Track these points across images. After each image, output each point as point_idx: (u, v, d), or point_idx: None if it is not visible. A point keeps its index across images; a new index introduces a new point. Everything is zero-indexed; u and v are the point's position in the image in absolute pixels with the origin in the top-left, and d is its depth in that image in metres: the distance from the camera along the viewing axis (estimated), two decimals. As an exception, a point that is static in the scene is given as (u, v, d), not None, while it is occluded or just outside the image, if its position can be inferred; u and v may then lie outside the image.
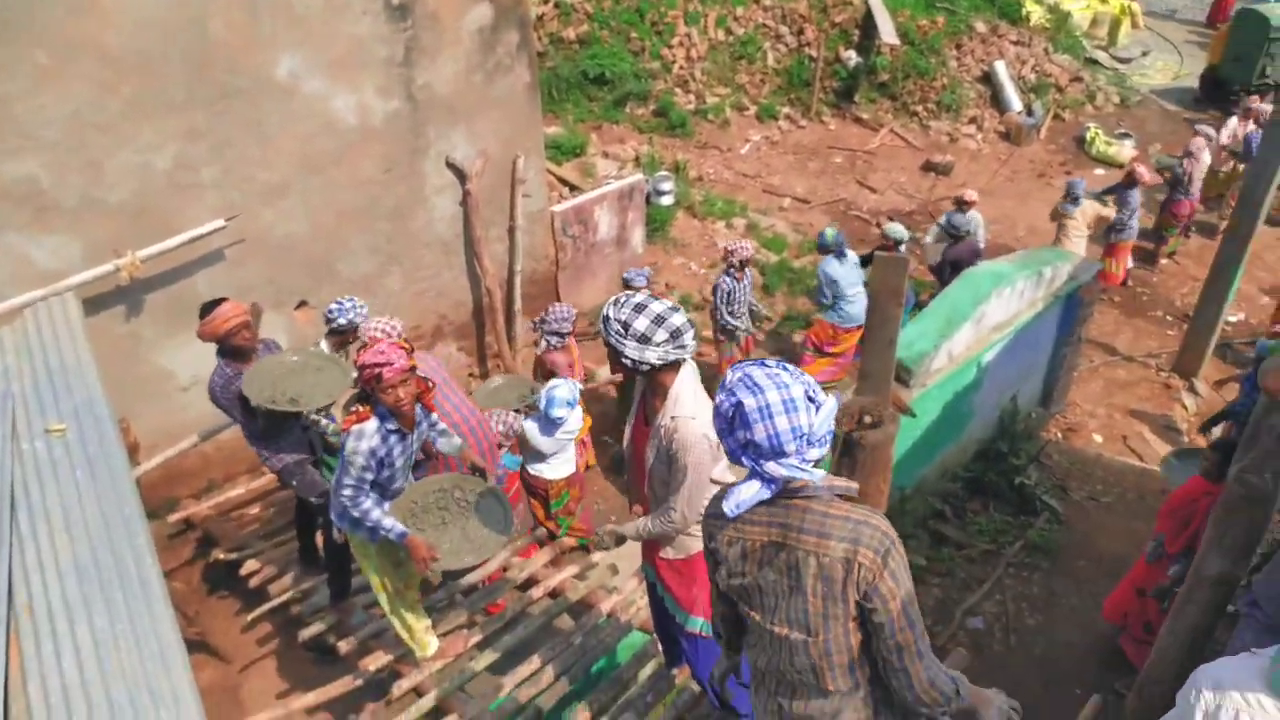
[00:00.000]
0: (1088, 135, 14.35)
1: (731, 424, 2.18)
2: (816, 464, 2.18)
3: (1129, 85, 15.90)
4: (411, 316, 8.00)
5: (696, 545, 3.33)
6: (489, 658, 4.70)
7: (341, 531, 4.63)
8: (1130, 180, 10.40)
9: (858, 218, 12.70)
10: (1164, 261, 11.67)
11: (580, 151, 11.93)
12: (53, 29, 5.49)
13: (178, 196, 6.28)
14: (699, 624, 3.54)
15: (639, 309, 2.98)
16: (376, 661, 4.71)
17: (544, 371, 6.67)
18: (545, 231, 9.11)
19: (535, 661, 4.63)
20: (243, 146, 6.49)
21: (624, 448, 3.53)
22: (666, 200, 11.54)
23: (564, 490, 5.81)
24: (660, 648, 4.29)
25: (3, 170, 5.58)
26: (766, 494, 2.20)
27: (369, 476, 3.93)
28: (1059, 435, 9.00)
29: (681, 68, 14.37)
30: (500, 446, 5.56)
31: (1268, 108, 9.92)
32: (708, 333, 9.50)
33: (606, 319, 3.02)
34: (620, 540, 3.47)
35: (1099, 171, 13.84)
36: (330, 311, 5.26)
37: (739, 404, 2.16)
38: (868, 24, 14.79)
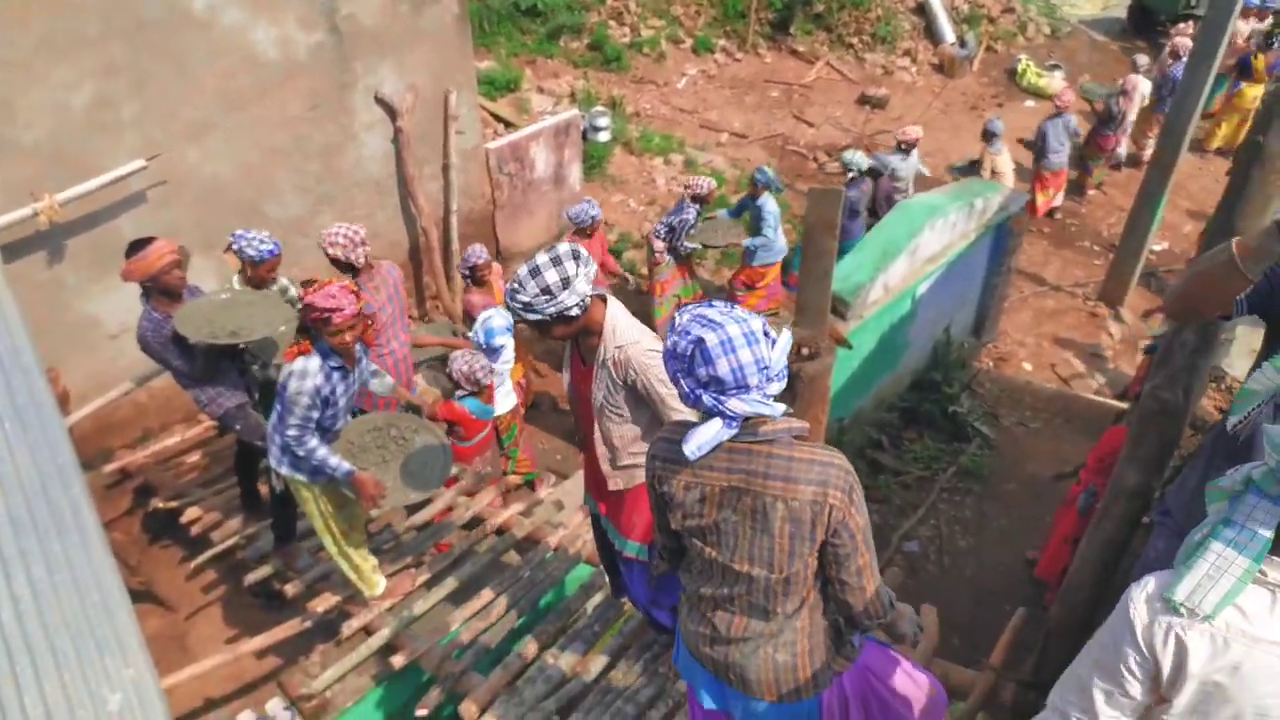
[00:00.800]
0: (1019, 67, 14.51)
1: (691, 362, 2.18)
2: (778, 399, 2.20)
3: (1059, 16, 16.05)
4: (346, 258, 7.87)
5: (640, 476, 3.40)
6: (437, 595, 4.76)
7: (280, 477, 4.62)
8: (1057, 109, 10.61)
9: (795, 152, 12.72)
10: (1091, 192, 11.95)
11: (514, 87, 11.72)
12: (-51, -42, 5.20)
13: (96, 136, 6.05)
14: (635, 548, 3.63)
15: (535, 271, 2.90)
16: (325, 603, 4.73)
17: (465, 311, 6.69)
18: (480, 169, 8.98)
19: (484, 597, 4.70)
20: (162, 82, 6.26)
21: (566, 392, 3.55)
22: (603, 137, 11.43)
23: (512, 424, 5.90)
24: (607, 579, 4.39)
25: (-96, 110, 5.32)
26: (727, 434, 2.20)
27: (314, 415, 3.93)
28: (990, 364, 9.26)
29: (616, -1, 14.14)
30: (476, 393, 5.58)
31: (1189, 43, 10.12)
32: (643, 266, 9.53)
33: (526, 306, 2.90)
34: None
35: (1029, 104, 14.03)
36: (233, 238, 5.11)
37: (699, 340, 2.16)
38: (803, -46, 14.65)
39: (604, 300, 3.17)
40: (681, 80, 13.89)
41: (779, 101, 13.90)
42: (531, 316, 2.93)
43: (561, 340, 3.14)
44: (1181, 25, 13.43)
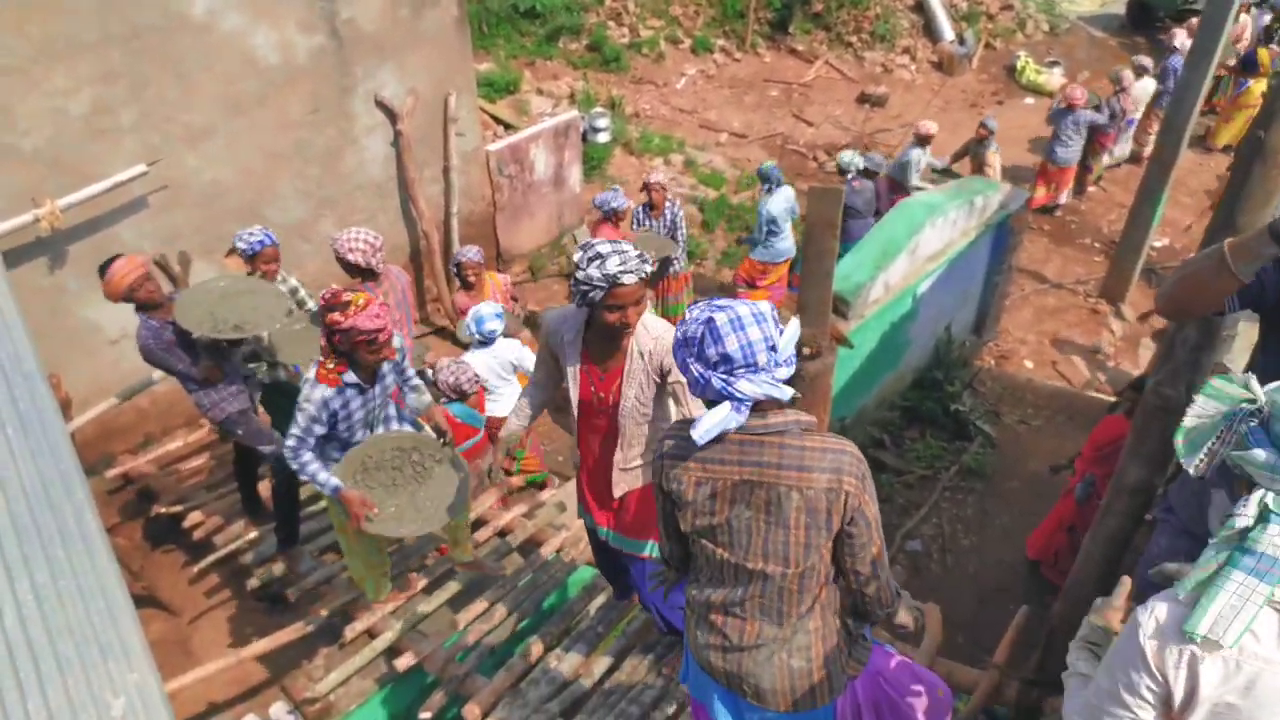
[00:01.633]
0: (1018, 64, 14.50)
1: (700, 344, 2.20)
2: (787, 384, 2.21)
3: (1058, 13, 16.05)
4: (347, 261, 7.88)
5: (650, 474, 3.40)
6: (440, 598, 4.76)
7: (294, 480, 4.65)
8: (1067, 106, 10.62)
9: (795, 151, 12.72)
10: (1092, 189, 11.94)
11: (513, 89, 11.73)
12: (-52, -34, 5.21)
13: (96, 142, 6.05)
14: (652, 547, 3.62)
15: (621, 243, 3.03)
16: (328, 606, 4.74)
17: (457, 311, 6.72)
18: (480, 171, 8.98)
19: (487, 599, 4.70)
20: (161, 87, 6.26)
21: (569, 399, 3.48)
22: (603, 137, 11.44)
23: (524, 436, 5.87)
24: (610, 584, 4.39)
25: (-96, 118, 5.33)
26: (736, 419, 2.20)
27: (317, 430, 3.84)
28: (992, 362, 9.25)
29: (614, 0, 14.14)
30: (464, 397, 5.58)
31: (1187, 42, 10.12)
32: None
33: (624, 265, 2.98)
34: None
35: (1029, 100, 14.03)
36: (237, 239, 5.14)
37: (709, 320, 2.20)
38: (801, -47, 14.65)
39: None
40: (681, 80, 13.89)
41: (778, 101, 13.90)
42: (626, 278, 3.00)
43: (612, 325, 3.12)
44: (1184, 20, 13.42)
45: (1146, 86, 11.50)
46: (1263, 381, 1.86)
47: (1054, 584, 6.01)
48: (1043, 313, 10.02)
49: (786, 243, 8.66)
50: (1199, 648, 1.80)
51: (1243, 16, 12.62)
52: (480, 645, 4.48)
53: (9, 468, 3.60)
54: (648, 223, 8.04)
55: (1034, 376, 9.00)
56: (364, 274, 5.16)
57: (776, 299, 9.22)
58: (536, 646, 4.37)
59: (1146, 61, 11.68)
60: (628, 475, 3.46)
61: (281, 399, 5.45)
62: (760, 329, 2.18)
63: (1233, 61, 12.05)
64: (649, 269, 3.07)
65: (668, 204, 7.90)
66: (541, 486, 6.46)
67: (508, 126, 10.50)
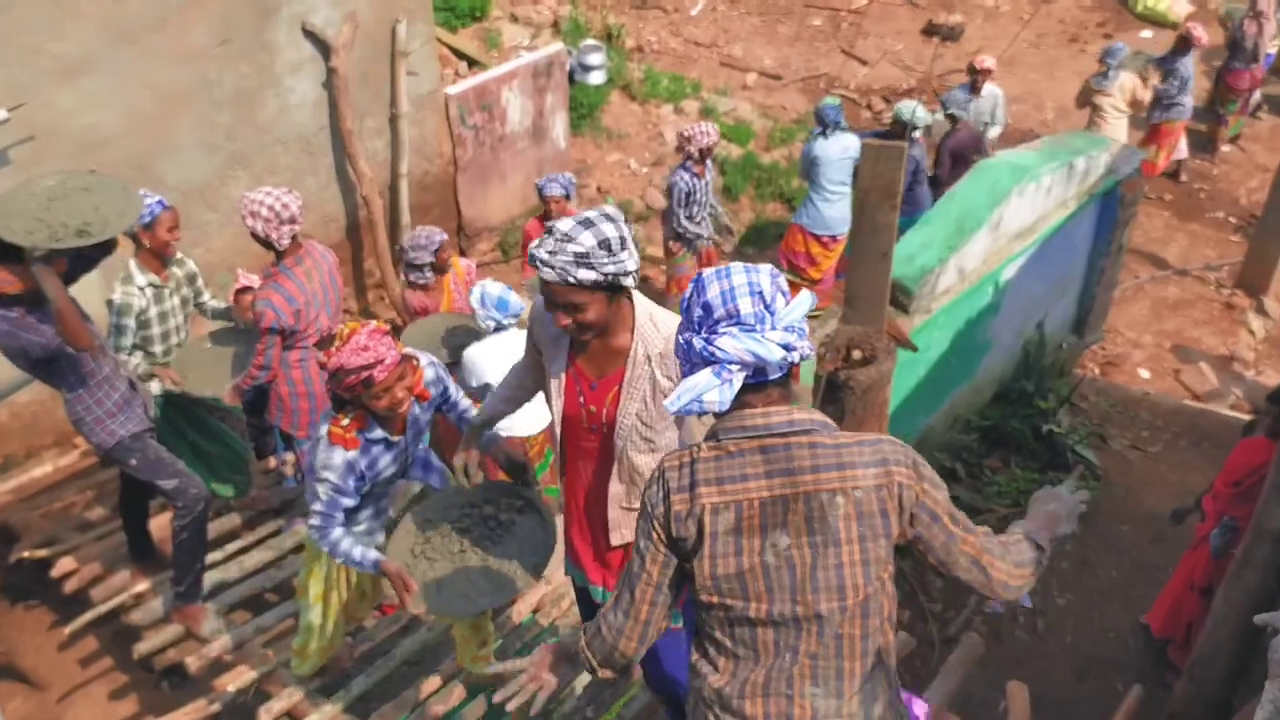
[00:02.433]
0: (1133, -13, 14.53)
1: (689, 303, 2.34)
2: (787, 353, 2.27)
3: (1184, -78, 16.08)
4: (265, 235, 7.91)
5: None
6: (382, 670, 4.76)
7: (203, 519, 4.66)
8: (1182, 45, 10.58)
9: (844, 96, 12.73)
10: (1225, 148, 11.95)
11: (480, 15, 11.76)
12: None
13: (-59, 80, 6.08)
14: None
15: (586, 222, 2.92)
16: (237, 679, 4.74)
17: (408, 313, 6.62)
18: (438, 121, 9.00)
19: (442, 672, 4.70)
20: (26, 8, 6.28)
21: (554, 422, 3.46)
22: (596, 78, 11.47)
23: (546, 448, 5.80)
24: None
25: None
26: (717, 390, 2.27)
27: (345, 502, 3.79)
28: (1096, 371, 9.24)
29: (611, -99, 14.18)
30: None
31: None
32: (654, 249, 9.54)
33: (580, 258, 2.89)
34: None
35: (1145, 34, 14.04)
36: None
37: (699, 279, 2.35)
38: None
39: (628, 296, 3.18)
40: (697, 5, 13.92)
41: (822, 32, 13.92)
42: (583, 275, 2.91)
43: (581, 335, 3.10)
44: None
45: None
46: None
47: (1180, 666, 5.98)
48: (1162, 307, 10.01)
49: (840, 209, 8.63)
50: None
51: None
52: (434, 732, 4.49)
53: None
54: (695, 184, 8.16)
55: (1151, 390, 8.99)
56: (265, 248, 5.17)
57: (824, 294, 9.23)
58: (508, 736, 4.36)
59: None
60: (630, 516, 3.43)
61: (176, 415, 5.46)
62: (746, 276, 2.29)
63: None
64: (594, 277, 2.94)
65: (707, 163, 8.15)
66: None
67: (473, 63, 10.52)
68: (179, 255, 5.52)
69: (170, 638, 5.09)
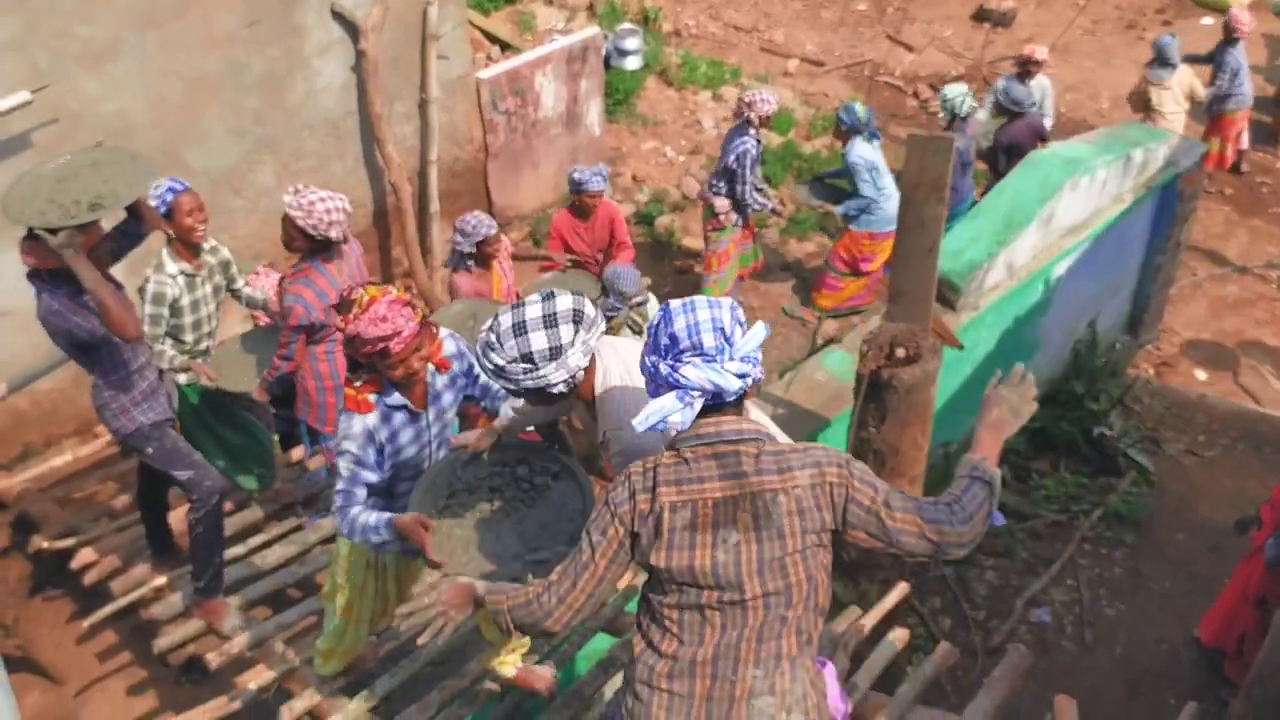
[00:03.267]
0: (1194, -29, 14.37)
1: (657, 330, 2.68)
2: (742, 381, 2.64)
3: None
4: (291, 223, 7.96)
5: None
6: (408, 670, 4.77)
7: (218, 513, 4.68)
8: (1229, 34, 10.46)
9: (889, 84, 12.67)
10: (1291, 140, 11.80)
11: (515, -3, 11.78)
12: None
13: (-35, 61, 6.16)
14: None
15: (519, 328, 3.04)
16: (258, 677, 4.76)
17: (451, 297, 6.68)
18: (469, 106, 9.02)
19: (468, 674, 4.71)
20: (53, -9, 6.36)
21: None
22: (632, 63, 11.45)
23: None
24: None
25: None
26: (679, 413, 2.61)
27: (366, 476, 3.74)
28: (1150, 372, 9.15)
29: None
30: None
31: None
32: (691, 240, 9.53)
33: (499, 370, 3.09)
34: None
35: (1207, 21, 13.86)
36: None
37: (667, 309, 2.69)
38: None
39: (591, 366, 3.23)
40: (737, -11, 13.89)
41: (868, 17, 13.85)
42: (502, 383, 3.15)
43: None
44: None
45: None
46: None
47: (1236, 682, 5.92)
48: (1221, 306, 9.90)
49: (895, 203, 8.58)
50: None
51: None
52: (459, 735, 4.50)
53: None
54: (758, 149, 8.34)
55: (1208, 392, 8.90)
56: (321, 248, 5.22)
57: (873, 289, 9.18)
58: (533, 739, 4.37)
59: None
60: None
61: (203, 405, 5.51)
62: (710, 312, 2.64)
63: None
64: (513, 387, 3.12)
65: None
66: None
67: (506, 47, 10.54)
68: (212, 243, 5.55)
69: (190, 633, 5.12)
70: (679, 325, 2.63)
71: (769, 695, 2.71)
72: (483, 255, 6.57)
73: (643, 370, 2.74)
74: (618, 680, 4.70)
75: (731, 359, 2.61)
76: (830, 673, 3.13)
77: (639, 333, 6.37)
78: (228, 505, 5.94)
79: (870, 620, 4.90)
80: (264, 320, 6.18)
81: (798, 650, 2.74)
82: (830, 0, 14.01)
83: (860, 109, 8.42)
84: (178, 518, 5.66)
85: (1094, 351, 8.46)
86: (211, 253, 5.55)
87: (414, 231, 8.66)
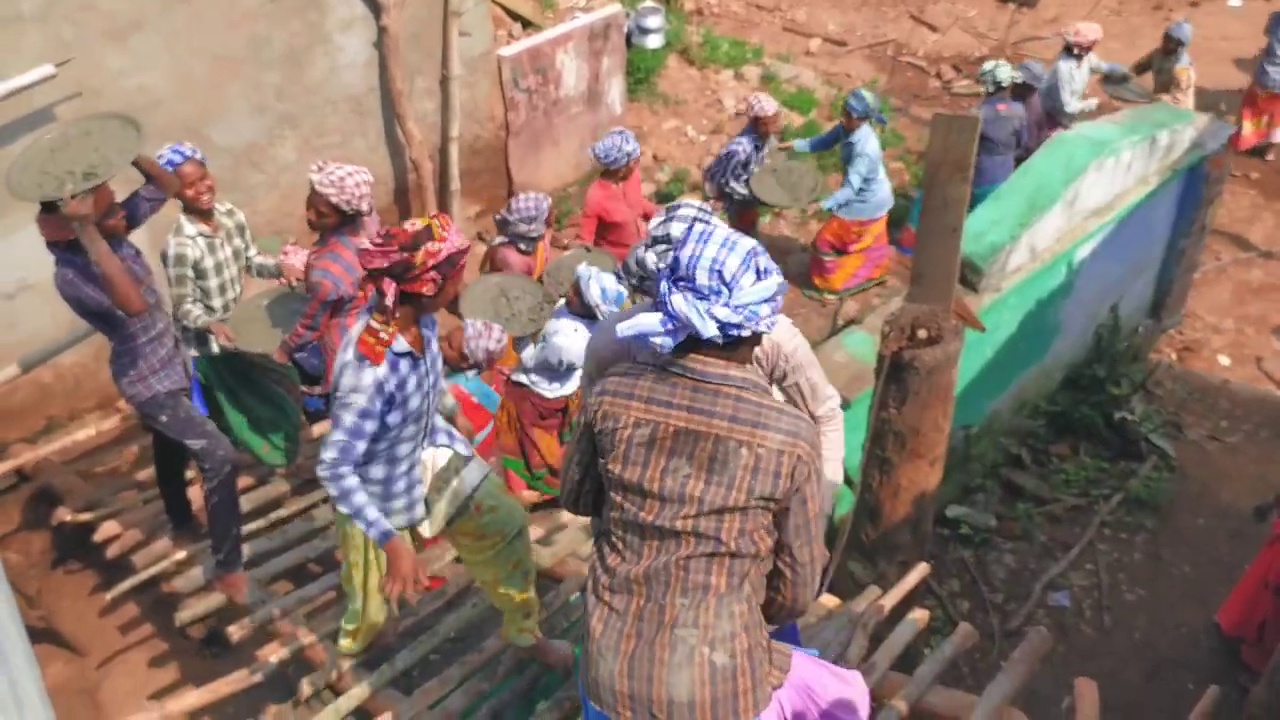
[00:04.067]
0: (1223, -48, 14.24)
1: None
2: (723, 329, 2.57)
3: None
4: (312, 199, 7.97)
5: None
6: (426, 646, 4.80)
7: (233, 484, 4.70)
8: (1275, 17, 10.43)
9: (911, 65, 12.60)
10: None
11: (537, -27, 11.74)
12: None
13: (-11, 34, 6.17)
14: None
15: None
16: (279, 650, 4.80)
17: (493, 271, 6.70)
18: (491, 83, 9.01)
19: (487, 650, 4.73)
20: (77, -35, 6.36)
21: None
22: (654, 41, 11.41)
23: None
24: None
25: None
26: (659, 336, 2.61)
27: (368, 428, 3.60)
28: (1173, 356, 9.13)
29: None
30: (490, 364, 5.65)
31: None
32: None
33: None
34: None
35: (1235, 2, 13.76)
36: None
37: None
38: None
39: None
40: (760, -33, 13.82)
41: (891, -3, 13.77)
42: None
43: None
44: None
45: None
46: None
47: (1256, 668, 5.91)
48: (1245, 291, 9.85)
49: (884, 190, 8.72)
50: None
51: None
52: (480, 706, 4.52)
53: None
54: (751, 153, 8.32)
55: (1231, 377, 8.86)
56: (347, 222, 5.26)
57: (878, 263, 9.17)
58: (552, 716, 4.39)
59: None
60: None
61: (230, 375, 5.55)
62: (717, 250, 2.58)
63: None
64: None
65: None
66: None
67: (527, 24, 10.50)
68: (228, 206, 5.61)
69: (212, 606, 5.16)
70: (684, 253, 2.62)
71: (692, 627, 2.74)
72: (530, 239, 6.67)
73: (637, 267, 2.98)
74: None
75: (725, 305, 2.56)
76: (805, 660, 3.09)
77: None
78: (250, 479, 6.00)
79: (890, 601, 4.91)
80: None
81: (726, 589, 2.75)
82: (854, -21, 13.94)
83: (870, 96, 8.40)
84: (198, 493, 5.70)
85: (1116, 335, 8.44)
86: (227, 215, 5.61)
87: (434, 209, 8.66)
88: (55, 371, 6.91)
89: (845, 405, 6.23)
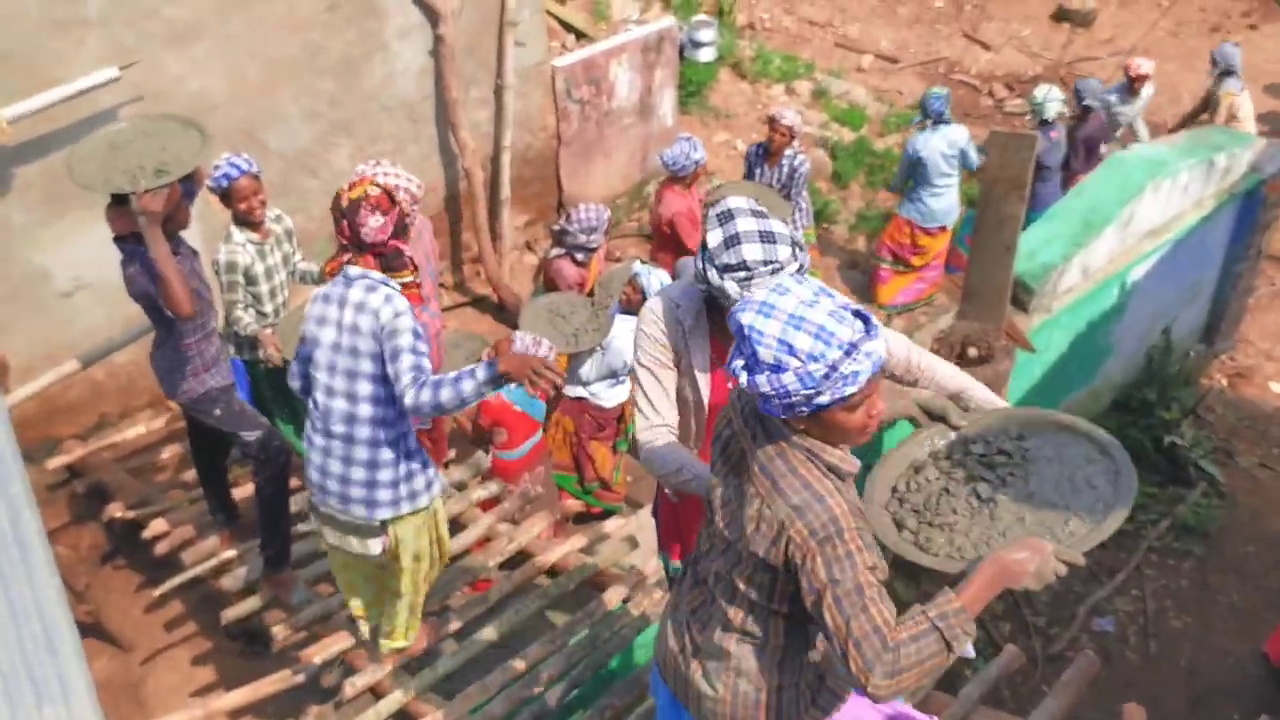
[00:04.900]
0: (1283, -26, 14.09)
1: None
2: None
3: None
4: (365, 205, 8.03)
5: None
6: (469, 651, 4.80)
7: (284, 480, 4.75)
8: None
9: (964, 83, 12.54)
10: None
11: (591, -15, 11.79)
12: None
13: (55, 38, 6.24)
14: None
15: (764, 236, 3.00)
16: (323, 652, 4.81)
17: (546, 283, 6.71)
18: (544, 94, 9.03)
19: (529, 657, 4.73)
20: (142, -30, 6.45)
21: (695, 402, 3.40)
22: (706, 55, 11.42)
23: (629, 426, 6.00)
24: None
25: None
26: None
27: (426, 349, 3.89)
28: (1224, 382, 9.00)
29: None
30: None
31: None
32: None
33: (779, 264, 3.00)
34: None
35: (1295, 25, 13.60)
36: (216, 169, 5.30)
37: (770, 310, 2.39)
38: None
39: None
40: (813, -17, 13.81)
41: (944, 15, 13.71)
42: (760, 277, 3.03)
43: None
44: None
45: None
46: None
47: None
48: (1300, 317, 9.71)
49: (947, 200, 8.64)
50: None
51: None
52: (520, 713, 4.51)
53: (-69, 446, 3.74)
54: (759, 169, 8.08)
55: (1283, 405, 8.75)
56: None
57: (930, 283, 9.13)
58: (592, 724, 4.39)
59: None
60: None
61: (280, 376, 5.59)
62: (783, 329, 2.32)
63: None
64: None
65: (788, 153, 7.94)
66: (607, 515, 6.49)
67: (581, 36, 10.54)
68: (276, 212, 5.67)
69: (258, 605, 5.19)
70: (745, 322, 2.39)
71: (718, 654, 2.74)
72: (589, 250, 6.69)
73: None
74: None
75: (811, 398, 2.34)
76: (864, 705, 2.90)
77: None
78: (299, 481, 6.04)
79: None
80: None
81: (732, 619, 2.69)
82: (907, -4, 13.90)
83: (939, 92, 8.54)
84: (242, 493, 5.74)
85: (1167, 359, 8.33)
86: (276, 221, 5.66)
87: (485, 217, 8.70)
88: (108, 369, 6.98)
89: (891, 423, 6.20)
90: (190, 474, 6.34)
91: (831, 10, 13.46)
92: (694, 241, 7.40)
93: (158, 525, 5.76)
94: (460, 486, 6.04)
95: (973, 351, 4.90)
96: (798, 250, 3.03)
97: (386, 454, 4.01)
